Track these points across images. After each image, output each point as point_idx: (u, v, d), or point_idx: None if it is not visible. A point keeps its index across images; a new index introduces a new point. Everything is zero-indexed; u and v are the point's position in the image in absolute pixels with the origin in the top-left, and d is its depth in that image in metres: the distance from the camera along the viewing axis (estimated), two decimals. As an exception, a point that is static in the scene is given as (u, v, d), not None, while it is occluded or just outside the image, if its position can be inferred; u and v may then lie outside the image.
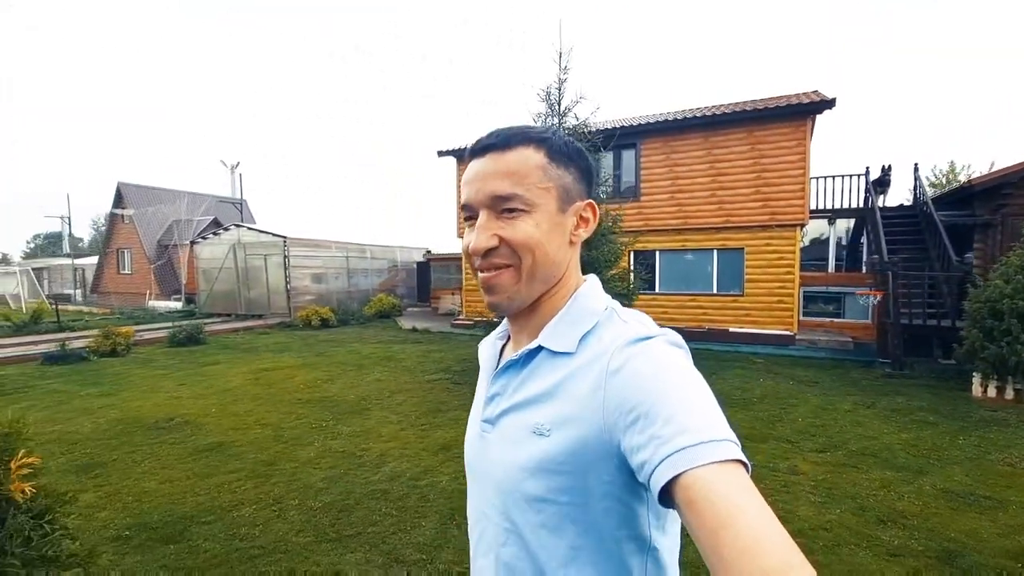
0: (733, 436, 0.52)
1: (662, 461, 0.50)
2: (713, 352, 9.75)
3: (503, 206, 0.67)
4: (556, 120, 7.22)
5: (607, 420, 0.59)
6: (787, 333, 10.40)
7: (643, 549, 0.64)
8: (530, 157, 0.68)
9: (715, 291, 11.27)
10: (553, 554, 0.64)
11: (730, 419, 0.53)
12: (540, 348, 0.70)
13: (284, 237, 15.35)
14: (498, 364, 0.79)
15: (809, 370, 8.02)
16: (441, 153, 13.93)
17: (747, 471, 0.50)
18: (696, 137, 11.21)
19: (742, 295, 10.93)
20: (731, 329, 10.90)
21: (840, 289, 11.70)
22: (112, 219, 24.08)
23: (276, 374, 7.75)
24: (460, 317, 14.50)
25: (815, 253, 14.75)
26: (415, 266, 21.05)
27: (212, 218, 23.04)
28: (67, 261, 28.68)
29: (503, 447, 0.70)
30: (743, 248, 10.92)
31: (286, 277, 15.32)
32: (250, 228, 16.32)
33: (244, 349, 10.32)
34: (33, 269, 26.52)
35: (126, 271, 23.91)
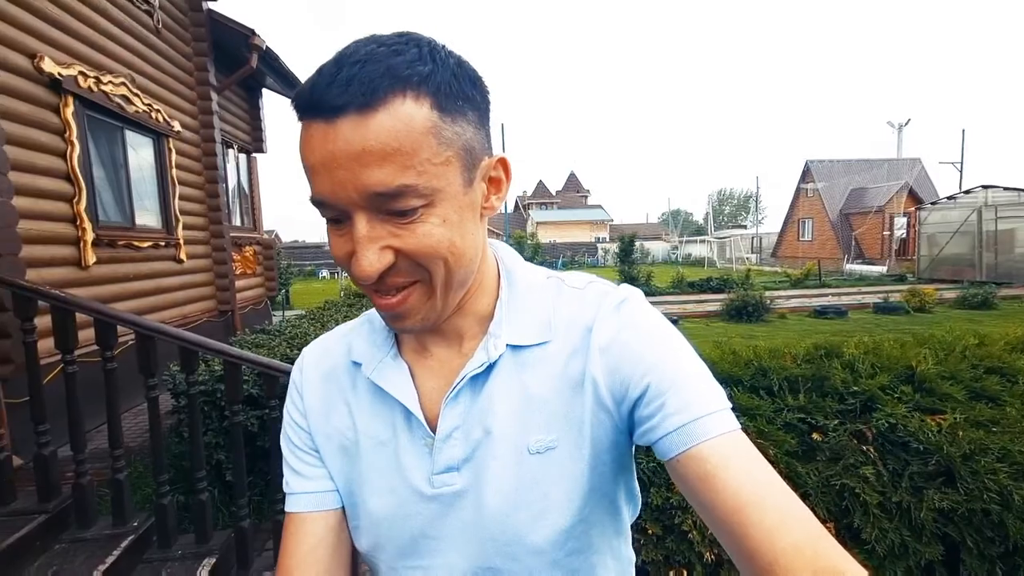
0: (728, 403, 0.51)
1: (673, 431, 0.48)
2: None
3: (390, 206, 0.44)
4: None
5: (608, 401, 0.53)
6: None
7: (631, 497, 0.61)
8: (413, 117, 0.43)
9: None
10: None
11: None
12: (508, 347, 0.55)
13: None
14: (416, 391, 0.57)
15: None
16: None
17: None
18: None
19: None
20: None
21: None
22: (797, 193, 27.89)
23: None
24: None
25: None
26: None
27: (903, 182, 21.77)
28: (746, 231, 37.69)
29: (499, 489, 0.53)
30: None
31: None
32: (1006, 188, 14.90)
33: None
34: (717, 239, 34.57)
35: (805, 238, 27.52)
